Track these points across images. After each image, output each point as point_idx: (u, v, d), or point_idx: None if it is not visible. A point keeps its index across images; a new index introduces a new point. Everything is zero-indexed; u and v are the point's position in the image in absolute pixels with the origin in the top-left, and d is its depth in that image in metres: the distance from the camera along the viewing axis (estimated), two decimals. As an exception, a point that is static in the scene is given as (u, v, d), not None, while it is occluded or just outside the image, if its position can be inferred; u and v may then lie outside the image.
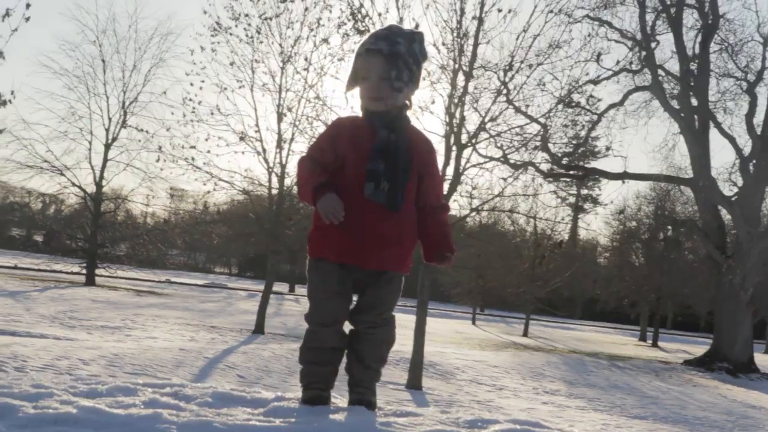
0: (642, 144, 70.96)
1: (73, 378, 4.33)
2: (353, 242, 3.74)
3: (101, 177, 38.31)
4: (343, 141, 3.84)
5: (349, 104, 13.09)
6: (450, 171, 15.64)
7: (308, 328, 3.83)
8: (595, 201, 57.33)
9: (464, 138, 15.81)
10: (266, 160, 21.52)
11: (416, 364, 14.97)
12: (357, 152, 3.77)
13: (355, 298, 3.88)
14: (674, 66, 29.91)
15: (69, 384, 3.61)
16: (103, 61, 38.40)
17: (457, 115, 15.59)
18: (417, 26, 14.89)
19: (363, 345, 3.81)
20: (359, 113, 3.95)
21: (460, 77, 15.52)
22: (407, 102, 3.93)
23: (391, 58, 3.76)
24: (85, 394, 3.46)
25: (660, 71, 29.48)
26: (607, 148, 24.97)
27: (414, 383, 14.78)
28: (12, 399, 3.16)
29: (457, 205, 17.73)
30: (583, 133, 26.92)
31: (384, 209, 3.72)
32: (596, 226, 55.97)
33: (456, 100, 15.50)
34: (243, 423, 3.13)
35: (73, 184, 38.44)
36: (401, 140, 3.79)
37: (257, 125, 21.40)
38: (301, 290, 58.75)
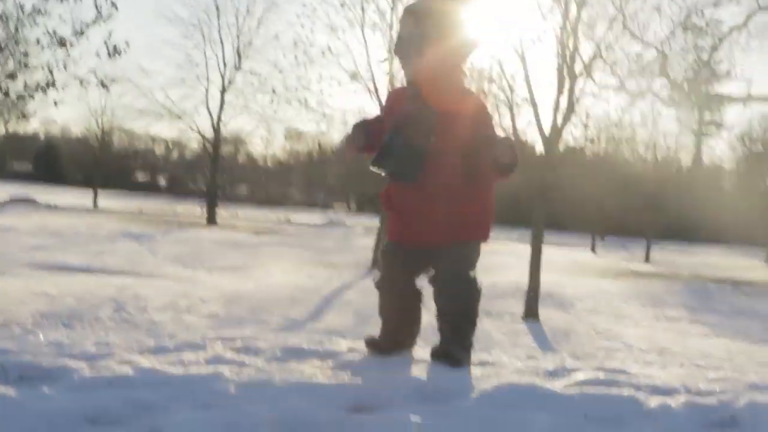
0: (767, 66, 68.09)
1: (146, 332, 4.37)
2: (404, 223, 3.69)
3: (219, 121, 38.93)
4: (386, 112, 3.77)
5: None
6: (564, 102, 15.33)
7: (378, 293, 3.82)
8: (718, 125, 55.64)
9: (578, 68, 15.44)
10: (379, 99, 21.45)
11: (533, 294, 14.84)
12: (396, 128, 3.62)
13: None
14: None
15: (138, 340, 3.61)
16: (217, 7, 38.97)
17: (570, 45, 15.21)
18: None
19: (444, 301, 3.65)
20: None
21: (573, 6, 15.12)
22: (456, 70, 3.68)
23: (421, 16, 3.55)
24: (151, 350, 3.40)
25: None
26: (730, 71, 24.08)
27: (531, 314, 14.65)
28: (70, 359, 3.08)
29: (571, 137, 17.40)
30: (703, 57, 26.03)
31: (428, 188, 3.56)
32: (720, 151, 54.45)
33: (569, 30, 15.11)
34: (305, 380, 3.02)
35: (192, 129, 39.23)
36: (426, 114, 3.56)
37: (369, 64, 21.35)
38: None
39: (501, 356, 3.86)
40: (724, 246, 61.09)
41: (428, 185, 3.55)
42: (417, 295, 3.77)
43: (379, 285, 3.80)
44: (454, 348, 3.57)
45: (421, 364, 3.45)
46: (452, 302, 3.62)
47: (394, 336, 3.75)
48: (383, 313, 3.81)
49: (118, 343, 3.45)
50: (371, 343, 3.72)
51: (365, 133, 3.76)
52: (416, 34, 3.52)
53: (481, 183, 3.69)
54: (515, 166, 3.49)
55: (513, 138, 3.35)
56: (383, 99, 21.14)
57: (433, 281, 3.69)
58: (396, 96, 3.84)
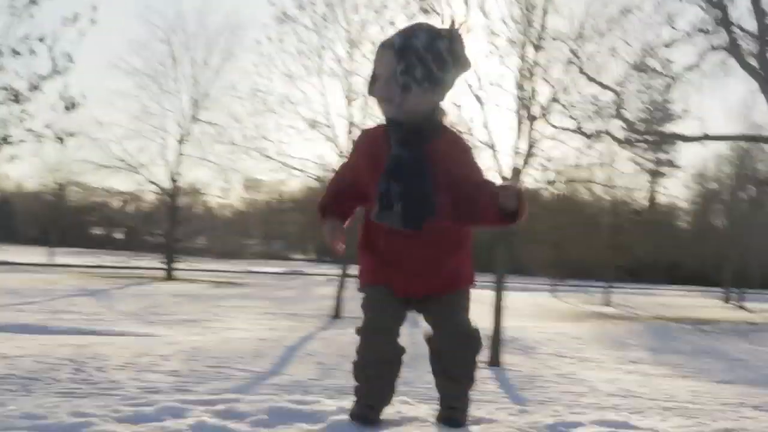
0: (720, 104, 69.24)
1: (119, 398, 4.23)
2: (389, 270, 3.43)
3: (176, 172, 38.73)
4: (362, 157, 3.53)
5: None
6: (523, 145, 15.39)
7: (359, 340, 3.51)
8: (672, 165, 56.22)
9: (536, 111, 15.53)
10: (337, 146, 21.46)
11: (496, 341, 14.78)
12: (375, 171, 3.38)
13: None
14: (750, 23, 29.03)
15: (113, 408, 3.47)
16: (173, 58, 38.89)
17: (528, 88, 15.31)
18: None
19: (444, 356, 3.49)
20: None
21: (530, 50, 15.23)
22: (437, 109, 3.44)
23: (403, 51, 3.30)
24: (130, 419, 3.27)
25: (736, 29, 28.65)
26: (684, 111, 24.39)
27: (495, 360, 14.60)
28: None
29: (532, 179, 17.46)
30: (658, 98, 26.35)
31: (415, 233, 3.32)
32: (675, 190, 55.02)
33: (526, 73, 15.21)
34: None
35: (149, 181, 39.00)
36: (418, 156, 3.34)
37: (327, 112, 21.38)
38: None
39: (495, 412, 3.78)
40: (683, 286, 61.65)
41: (423, 230, 3.33)
42: (401, 351, 3.53)
43: (364, 325, 3.50)
44: (458, 410, 3.47)
45: (416, 426, 3.36)
46: (458, 362, 3.49)
47: (378, 395, 3.51)
48: (364, 369, 3.51)
49: (94, 412, 3.32)
50: (358, 416, 3.42)
51: (332, 227, 3.56)
52: (399, 70, 3.28)
53: (469, 228, 3.55)
54: (522, 213, 3.29)
55: (519, 184, 3.10)
56: (342, 146, 21.24)
57: (432, 337, 3.52)
58: (371, 138, 3.58)
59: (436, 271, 3.45)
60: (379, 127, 3.56)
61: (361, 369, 3.51)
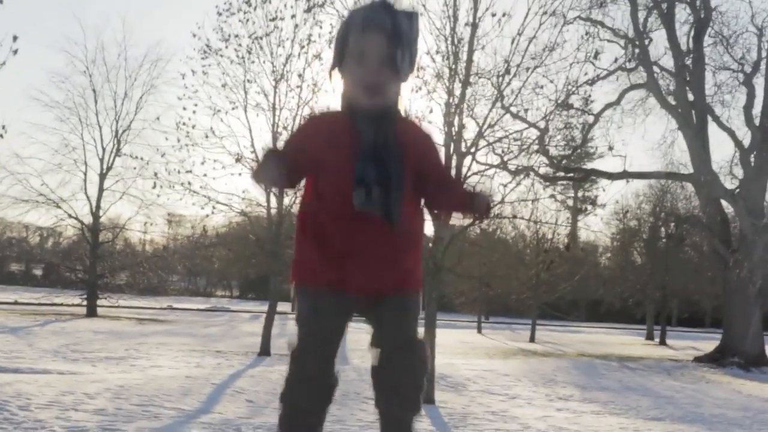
0: (640, 142, 70.77)
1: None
2: (342, 263, 3.23)
3: (98, 207, 38.26)
4: (320, 141, 3.31)
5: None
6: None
7: (290, 363, 3.30)
8: (593, 202, 57.03)
9: (463, 146, 15.58)
10: (263, 180, 21.23)
11: (430, 378, 14.70)
12: (338, 155, 3.23)
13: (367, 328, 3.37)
14: (669, 62, 29.74)
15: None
16: (94, 90, 38.45)
17: (456, 123, 15.36)
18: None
19: (395, 373, 3.28)
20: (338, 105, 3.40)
21: (457, 85, 15.29)
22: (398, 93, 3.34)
23: (396, 36, 3.18)
24: None
25: (655, 68, 29.30)
26: (610, 148, 24.81)
27: (427, 398, 14.49)
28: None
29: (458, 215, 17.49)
30: (579, 135, 26.75)
31: (377, 221, 3.19)
32: (597, 227, 55.80)
33: (453, 109, 15.26)
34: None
35: (70, 216, 38.37)
36: (391, 139, 3.22)
37: (253, 146, 21.22)
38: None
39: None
40: (605, 323, 62.44)
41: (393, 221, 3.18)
42: (335, 383, 3.33)
43: (298, 344, 3.26)
44: (409, 417, 3.34)
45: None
46: (410, 375, 3.31)
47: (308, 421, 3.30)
48: (291, 401, 3.30)
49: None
50: None
51: (278, 161, 3.29)
52: (398, 57, 3.16)
53: (423, 226, 3.44)
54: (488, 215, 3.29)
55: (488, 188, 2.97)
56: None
57: (380, 342, 3.31)
58: (327, 121, 3.39)
59: (393, 265, 3.28)
60: (336, 112, 3.39)
61: (288, 401, 3.31)
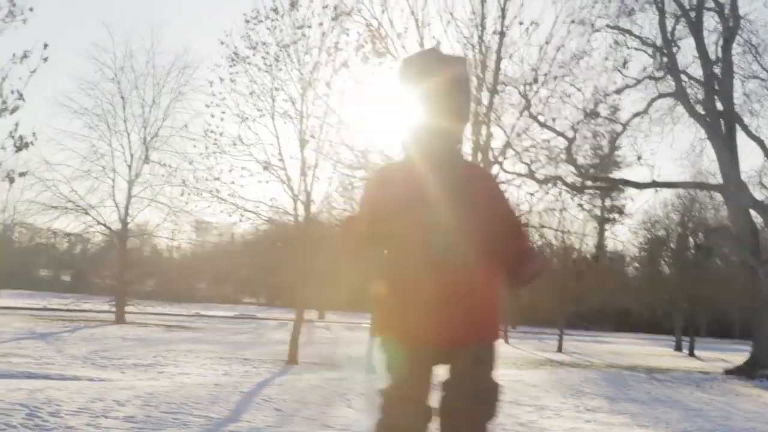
0: (669, 151, 70.59)
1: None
2: (417, 318, 3.21)
3: (126, 214, 38.43)
4: (386, 200, 3.30)
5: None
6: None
7: (381, 405, 3.31)
8: (621, 212, 56.82)
9: (491, 155, 15.57)
10: (291, 188, 21.32)
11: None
12: (410, 207, 3.21)
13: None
14: (697, 70, 29.54)
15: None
16: (123, 97, 38.73)
17: (483, 132, 15.37)
18: (438, 44, 14.65)
19: (458, 424, 3.25)
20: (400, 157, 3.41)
21: (484, 93, 15.30)
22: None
23: (464, 85, 3.23)
24: None
25: (683, 77, 29.13)
26: (638, 158, 24.69)
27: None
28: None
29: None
30: (607, 144, 26.66)
31: (450, 269, 3.15)
32: (624, 236, 55.57)
33: (481, 117, 15.27)
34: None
35: (98, 223, 38.61)
36: (457, 183, 3.23)
37: (280, 153, 21.24)
38: (332, 317, 58.56)
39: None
40: (632, 333, 62.03)
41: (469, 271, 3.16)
42: (429, 416, 3.30)
43: (387, 391, 3.28)
44: None
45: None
46: (473, 427, 3.28)
47: None
48: None
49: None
50: None
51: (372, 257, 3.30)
52: (464, 104, 3.20)
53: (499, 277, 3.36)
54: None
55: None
56: (295, 188, 21.08)
57: (446, 395, 3.30)
58: (390, 179, 3.36)
59: (469, 318, 3.25)
60: (390, 166, 3.41)
61: None
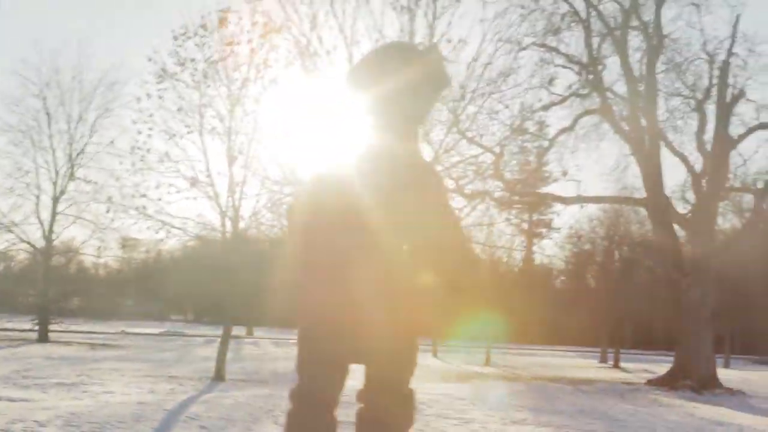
0: (595, 167, 71.73)
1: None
2: (339, 311, 3.18)
3: (50, 231, 37.81)
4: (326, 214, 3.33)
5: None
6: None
7: (290, 409, 3.28)
8: (548, 226, 57.47)
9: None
10: (219, 205, 21.19)
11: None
12: (342, 220, 3.23)
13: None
14: (622, 88, 30.03)
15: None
16: (48, 114, 38.10)
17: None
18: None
19: (374, 419, 3.23)
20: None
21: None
22: None
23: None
24: None
25: (608, 94, 29.61)
26: (565, 173, 25.03)
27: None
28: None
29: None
30: (534, 160, 26.97)
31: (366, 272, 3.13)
32: (551, 250, 56.21)
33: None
34: None
35: (22, 240, 37.94)
36: (392, 184, 3.19)
37: (208, 170, 21.10)
38: (260, 332, 58.21)
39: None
40: (559, 347, 62.68)
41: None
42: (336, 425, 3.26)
43: (299, 391, 3.24)
44: None
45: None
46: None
47: None
48: None
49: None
50: None
51: None
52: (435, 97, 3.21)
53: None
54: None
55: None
56: (223, 204, 20.95)
57: (361, 399, 3.26)
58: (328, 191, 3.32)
59: (390, 316, 3.20)
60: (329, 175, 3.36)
61: None
